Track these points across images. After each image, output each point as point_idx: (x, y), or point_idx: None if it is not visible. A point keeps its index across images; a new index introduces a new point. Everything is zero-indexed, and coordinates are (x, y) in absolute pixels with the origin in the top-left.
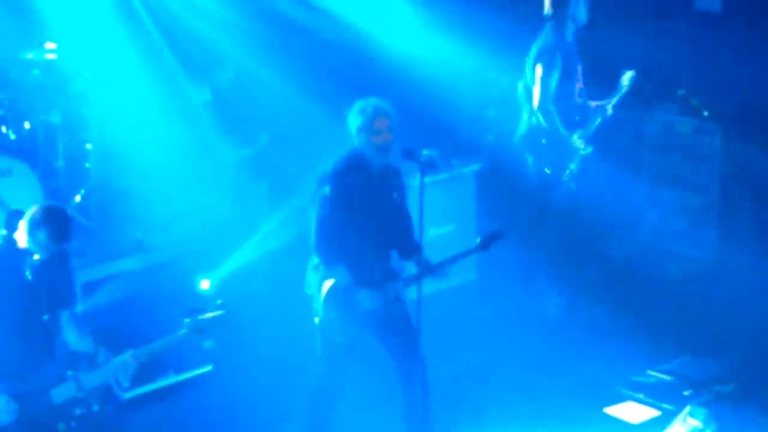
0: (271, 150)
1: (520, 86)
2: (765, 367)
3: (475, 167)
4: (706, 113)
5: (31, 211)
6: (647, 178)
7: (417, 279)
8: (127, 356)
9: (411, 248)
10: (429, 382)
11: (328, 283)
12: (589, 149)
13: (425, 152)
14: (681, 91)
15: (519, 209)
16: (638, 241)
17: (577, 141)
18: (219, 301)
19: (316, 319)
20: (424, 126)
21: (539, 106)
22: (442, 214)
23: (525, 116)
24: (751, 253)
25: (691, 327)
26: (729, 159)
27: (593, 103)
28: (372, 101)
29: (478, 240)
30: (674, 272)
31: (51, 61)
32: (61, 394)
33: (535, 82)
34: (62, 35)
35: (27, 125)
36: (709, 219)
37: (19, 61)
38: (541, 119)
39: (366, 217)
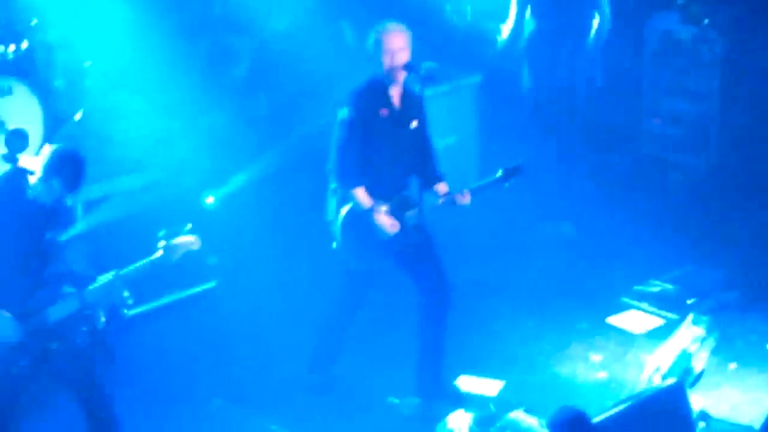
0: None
1: None
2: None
3: (476, 78)
4: (706, 21)
5: (46, 155)
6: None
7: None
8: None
9: (432, 178)
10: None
11: (346, 209)
12: None
13: (425, 65)
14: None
15: (520, 122)
16: (639, 151)
17: None
18: (189, 226)
19: (334, 244)
20: (424, 40)
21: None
22: (444, 125)
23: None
24: (751, 161)
25: (693, 235)
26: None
27: None
28: (385, 22)
29: (500, 172)
30: (676, 181)
31: None
32: (58, 311)
33: None
34: None
35: (25, 44)
36: (710, 127)
37: None
38: None
39: (383, 143)
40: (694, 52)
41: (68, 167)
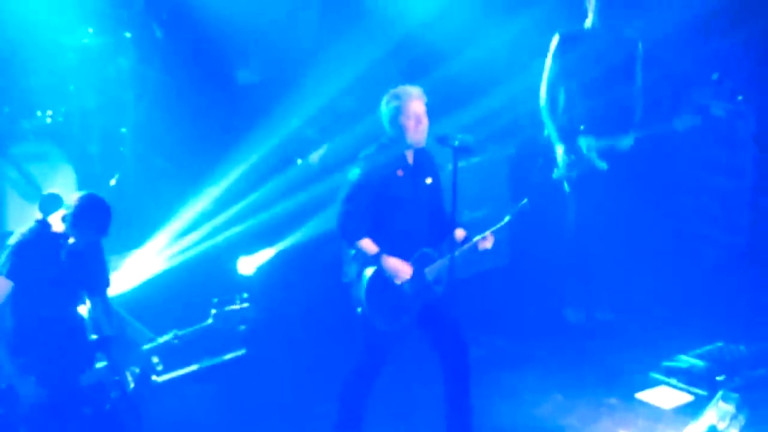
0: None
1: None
2: None
3: (509, 152)
4: (740, 97)
5: (74, 201)
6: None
7: (452, 258)
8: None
9: (449, 228)
10: (471, 369)
11: (370, 271)
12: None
13: (459, 136)
14: (715, 75)
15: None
16: (671, 226)
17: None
18: (245, 295)
19: (359, 309)
20: (459, 111)
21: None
22: (475, 198)
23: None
24: None
25: (723, 312)
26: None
27: None
28: (404, 87)
29: (507, 218)
30: (708, 256)
31: (87, 45)
32: (89, 377)
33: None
34: (97, 20)
35: (62, 110)
36: (742, 203)
37: (55, 45)
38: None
39: (402, 202)
40: (729, 128)
41: (96, 211)
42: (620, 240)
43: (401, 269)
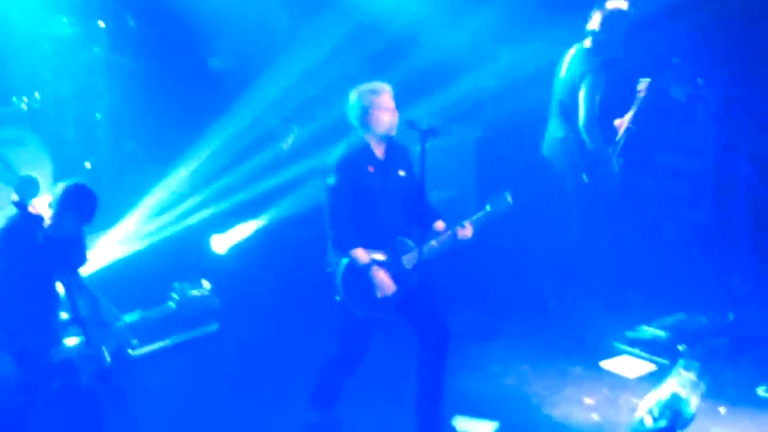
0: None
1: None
2: (757, 323)
3: (475, 134)
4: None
5: (60, 190)
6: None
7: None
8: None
9: (428, 219)
10: (448, 351)
11: (346, 263)
12: (621, 160)
13: (427, 120)
14: (675, 59)
15: (519, 177)
16: (636, 205)
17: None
18: (208, 285)
19: (337, 297)
20: (428, 96)
21: (585, 126)
22: (444, 178)
23: (555, 129)
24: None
25: (685, 284)
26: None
27: (617, 121)
28: (375, 82)
29: (488, 207)
30: (670, 232)
31: (61, 34)
32: (59, 353)
33: (579, 102)
34: (71, 10)
35: (37, 96)
36: (704, 182)
37: (30, 34)
38: (586, 139)
39: (375, 195)
40: (689, 110)
41: (83, 200)
42: (596, 222)
43: (386, 286)
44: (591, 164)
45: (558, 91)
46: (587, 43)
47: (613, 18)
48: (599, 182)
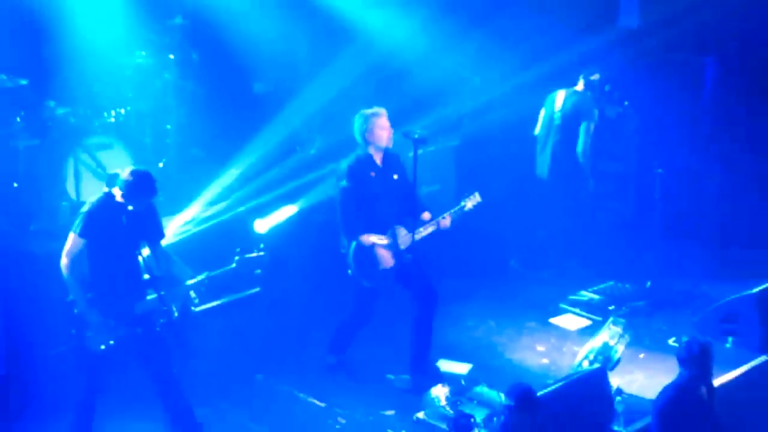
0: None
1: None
2: (666, 290)
3: (455, 142)
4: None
5: (125, 175)
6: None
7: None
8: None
9: (418, 211)
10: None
11: (353, 244)
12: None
13: (418, 131)
14: (607, 87)
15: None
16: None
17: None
18: (261, 246)
19: (349, 271)
20: (419, 114)
21: (582, 152)
22: (430, 177)
23: (549, 147)
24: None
25: (614, 260)
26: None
27: None
28: (373, 108)
29: (462, 202)
30: (604, 220)
31: (141, 64)
32: (142, 306)
33: (581, 136)
34: (148, 45)
35: (122, 111)
36: (628, 180)
37: (117, 65)
38: (581, 159)
39: (377, 194)
40: (618, 125)
41: (147, 179)
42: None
43: (386, 260)
44: (583, 177)
45: (557, 123)
46: (580, 87)
47: (592, 83)
48: (581, 188)
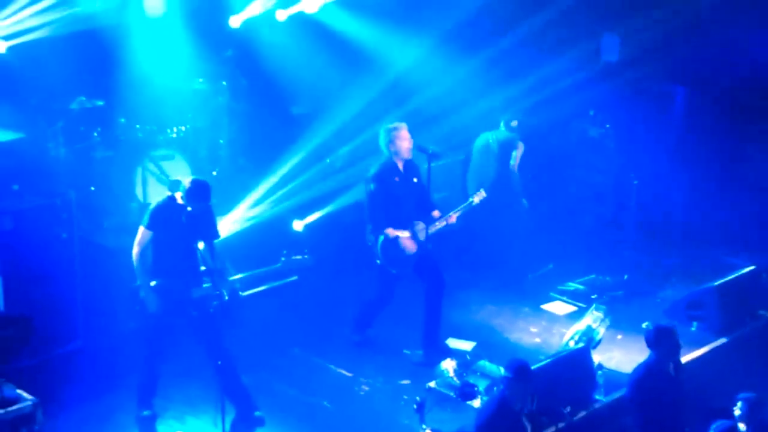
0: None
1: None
2: (641, 281)
3: (461, 157)
4: (608, 125)
5: (186, 183)
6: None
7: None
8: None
9: (430, 209)
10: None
11: (382, 238)
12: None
13: (432, 146)
14: (591, 111)
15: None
16: (565, 204)
17: None
18: (306, 251)
19: (378, 261)
20: (432, 131)
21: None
22: (441, 185)
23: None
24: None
25: (597, 255)
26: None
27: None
28: (396, 123)
29: (470, 199)
30: (587, 222)
31: (198, 89)
32: (198, 292)
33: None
34: (205, 73)
35: (183, 128)
36: (607, 189)
37: (178, 89)
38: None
39: (400, 196)
40: (600, 144)
41: (204, 186)
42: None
43: (409, 245)
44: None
45: (496, 154)
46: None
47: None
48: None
